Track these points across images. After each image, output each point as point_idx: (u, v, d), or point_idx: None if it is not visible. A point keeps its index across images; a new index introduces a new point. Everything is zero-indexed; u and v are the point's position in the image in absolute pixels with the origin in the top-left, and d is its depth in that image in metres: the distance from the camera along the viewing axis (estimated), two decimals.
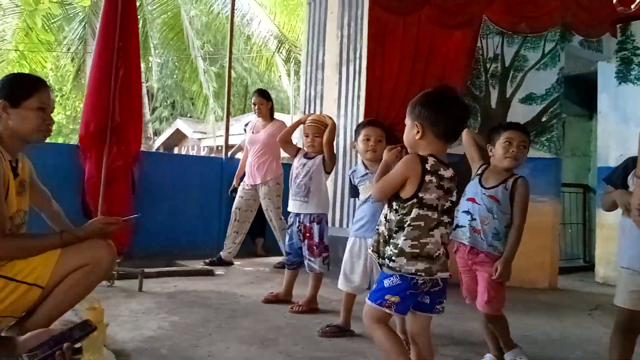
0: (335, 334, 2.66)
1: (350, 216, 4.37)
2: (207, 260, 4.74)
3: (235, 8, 7.72)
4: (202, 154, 15.73)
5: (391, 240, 1.72)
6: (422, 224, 1.68)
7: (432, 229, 1.69)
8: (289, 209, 3.42)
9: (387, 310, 1.71)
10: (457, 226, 2.32)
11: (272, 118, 4.97)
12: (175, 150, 17.96)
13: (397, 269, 1.68)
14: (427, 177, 1.68)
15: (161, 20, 12.85)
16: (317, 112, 4.77)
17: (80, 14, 12.18)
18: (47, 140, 2.19)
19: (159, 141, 17.34)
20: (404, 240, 1.68)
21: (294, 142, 3.67)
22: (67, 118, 17.22)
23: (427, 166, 1.69)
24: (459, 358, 2.45)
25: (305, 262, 3.31)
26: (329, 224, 3.47)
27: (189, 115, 18.89)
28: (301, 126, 3.48)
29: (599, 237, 5.36)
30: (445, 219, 1.73)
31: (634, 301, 1.91)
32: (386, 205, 1.77)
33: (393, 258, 1.69)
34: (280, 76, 16.03)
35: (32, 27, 11.24)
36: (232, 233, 4.87)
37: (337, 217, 4.52)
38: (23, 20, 11.49)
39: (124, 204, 4.54)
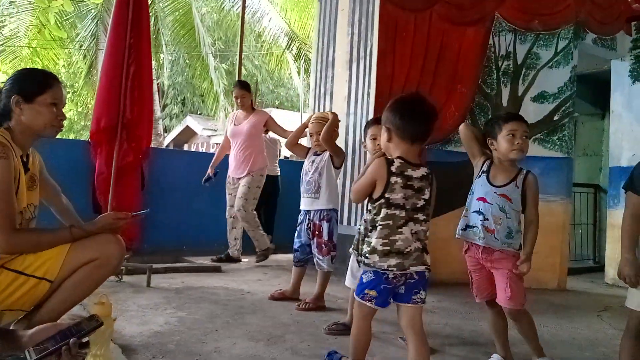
0: (341, 332, 2.65)
1: (358, 214, 4.36)
2: (214, 257, 4.76)
3: (246, 5, 7.72)
4: (212, 151, 15.80)
5: (366, 239, 1.86)
6: (391, 222, 1.81)
7: (400, 227, 1.81)
8: (301, 207, 3.43)
9: (368, 304, 1.84)
10: (468, 226, 2.29)
11: (253, 109, 4.98)
12: (185, 147, 18.04)
13: (372, 265, 1.82)
14: (393, 179, 1.80)
15: (172, 18, 12.88)
16: (327, 110, 4.76)
17: (92, 11, 12.24)
18: (59, 136, 2.21)
19: (169, 138, 17.45)
20: (376, 238, 1.81)
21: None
22: (79, 114, 17.34)
23: (393, 168, 1.81)
24: (466, 358, 2.44)
25: (315, 259, 3.31)
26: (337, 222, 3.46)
27: (199, 112, 18.97)
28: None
29: (610, 238, 5.30)
30: (420, 216, 1.86)
31: None
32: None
33: (367, 255, 1.83)
34: (290, 73, 16.04)
35: (45, 24, 11.33)
36: (230, 230, 4.89)
37: (345, 215, 4.51)
38: (36, 17, 11.59)
39: (134, 200, 4.57)
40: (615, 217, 5.18)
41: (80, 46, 12.82)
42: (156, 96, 12.88)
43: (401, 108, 1.87)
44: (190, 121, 17.71)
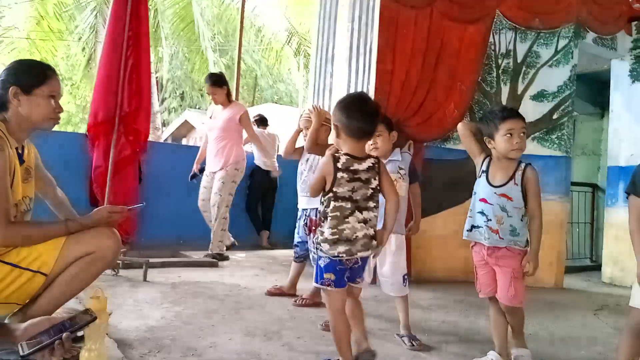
0: None
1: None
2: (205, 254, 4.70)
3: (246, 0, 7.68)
4: None
5: (319, 229, 2.01)
6: (339, 213, 1.95)
7: (347, 217, 1.95)
8: (298, 205, 3.42)
9: (329, 288, 1.97)
10: (474, 227, 2.29)
11: (230, 101, 4.82)
12: (184, 142, 18.00)
13: (325, 251, 1.96)
14: (339, 174, 1.95)
15: (172, 11, 12.83)
16: (327, 106, 4.74)
17: (92, 3, 12.19)
18: (56, 128, 2.19)
19: (167, 132, 17.39)
20: (327, 228, 1.96)
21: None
22: (77, 107, 17.30)
23: (339, 164, 1.95)
24: (463, 355, 2.43)
25: (310, 255, 3.30)
26: None
27: (197, 106, 18.91)
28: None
29: (607, 237, 5.31)
30: (371, 204, 1.99)
31: None
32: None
33: (320, 243, 1.98)
34: (289, 69, 15.99)
35: (44, 15, 11.26)
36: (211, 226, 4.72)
37: None
38: (35, 9, 11.53)
39: (131, 194, 4.55)
40: (613, 216, 5.19)
41: (79, 39, 12.76)
42: (155, 90, 12.83)
43: (347, 107, 2.00)
44: (189, 115, 17.65)
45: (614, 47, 5.26)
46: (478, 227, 2.27)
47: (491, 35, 4.74)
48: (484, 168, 2.31)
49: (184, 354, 2.11)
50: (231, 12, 14.03)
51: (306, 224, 3.33)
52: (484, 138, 2.30)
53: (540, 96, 4.81)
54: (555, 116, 4.78)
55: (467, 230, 2.32)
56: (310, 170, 3.31)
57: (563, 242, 4.81)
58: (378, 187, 2.01)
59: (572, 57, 4.79)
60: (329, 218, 1.96)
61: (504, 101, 4.78)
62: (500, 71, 4.82)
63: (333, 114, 2.05)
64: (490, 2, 4.70)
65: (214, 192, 4.64)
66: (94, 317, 1.56)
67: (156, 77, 14.36)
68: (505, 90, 4.82)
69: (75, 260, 1.94)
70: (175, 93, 19.00)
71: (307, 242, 3.35)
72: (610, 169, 5.41)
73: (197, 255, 4.56)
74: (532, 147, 4.46)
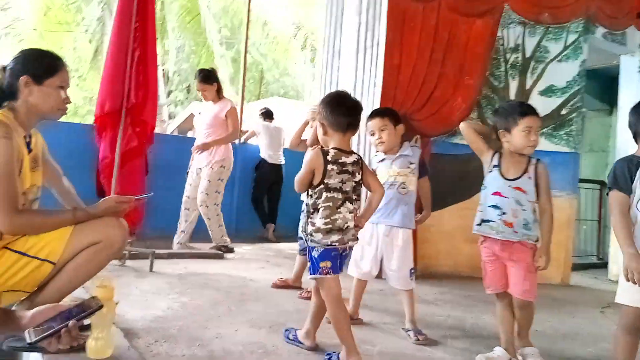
0: None
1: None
2: (211, 247, 4.70)
3: None
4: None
5: (310, 220, 2.07)
6: (331, 204, 2.03)
7: (338, 207, 2.04)
8: (302, 197, 3.40)
9: (327, 277, 2.05)
10: (484, 221, 2.28)
11: (220, 97, 4.76)
12: (190, 134, 18.01)
13: (318, 241, 2.04)
14: (330, 167, 2.03)
15: (179, 4, 12.83)
16: None
17: None
18: (63, 119, 2.20)
19: (173, 125, 17.40)
20: (319, 219, 2.03)
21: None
22: (84, 99, 17.32)
23: (329, 157, 2.05)
24: (468, 350, 2.43)
25: (299, 245, 3.30)
26: None
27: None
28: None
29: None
30: (354, 196, 2.09)
31: None
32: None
33: (313, 234, 2.05)
34: (295, 62, 15.96)
35: (51, 6, 11.28)
36: (183, 222, 4.67)
37: None
38: (42, 1, 11.55)
39: (137, 185, 4.55)
40: None
41: (86, 30, 12.78)
42: (161, 82, 12.85)
43: (330, 103, 2.11)
44: (195, 108, 17.63)
45: (624, 42, 5.20)
46: (489, 221, 2.26)
47: (500, 30, 4.68)
48: (495, 162, 2.30)
49: (189, 344, 2.11)
50: (238, 5, 14.02)
51: None
52: (498, 131, 2.29)
53: (548, 91, 4.77)
54: (563, 112, 4.74)
55: (477, 225, 2.31)
56: None
57: (570, 239, 4.78)
58: (361, 181, 2.12)
59: (581, 52, 4.74)
60: (320, 209, 2.04)
61: (512, 96, 4.74)
62: (508, 66, 4.78)
63: (318, 112, 2.15)
64: None
65: (200, 192, 4.61)
66: (101, 305, 1.57)
67: (163, 70, 14.38)
68: (513, 85, 4.78)
69: (83, 249, 1.94)
70: (182, 86, 18.98)
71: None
72: None
73: (203, 247, 4.58)
74: (540, 143, 4.40)
